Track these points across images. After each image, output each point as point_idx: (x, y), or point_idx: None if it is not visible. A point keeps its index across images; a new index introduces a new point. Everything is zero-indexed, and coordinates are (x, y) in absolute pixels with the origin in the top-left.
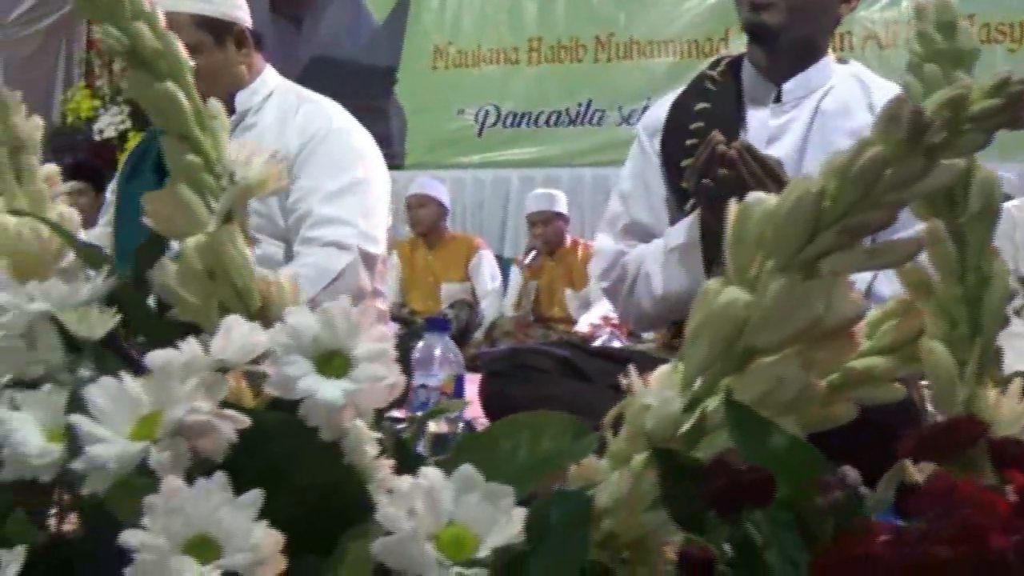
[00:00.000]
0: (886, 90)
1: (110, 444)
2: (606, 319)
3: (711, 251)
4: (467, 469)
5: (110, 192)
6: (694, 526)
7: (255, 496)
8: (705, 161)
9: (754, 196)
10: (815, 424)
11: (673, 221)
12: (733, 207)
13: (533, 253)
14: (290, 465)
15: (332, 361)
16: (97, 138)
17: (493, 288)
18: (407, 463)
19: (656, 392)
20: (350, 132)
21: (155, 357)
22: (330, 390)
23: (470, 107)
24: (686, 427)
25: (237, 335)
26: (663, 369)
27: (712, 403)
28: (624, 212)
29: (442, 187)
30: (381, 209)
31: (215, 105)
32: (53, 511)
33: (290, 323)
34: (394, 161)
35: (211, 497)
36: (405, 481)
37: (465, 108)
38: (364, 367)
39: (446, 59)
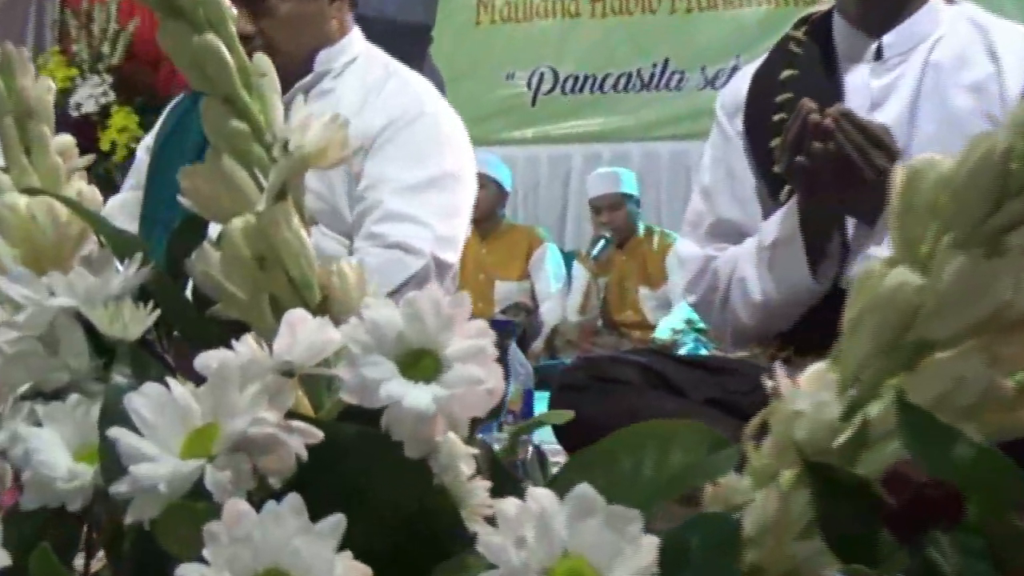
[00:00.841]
0: (1009, 32)
1: (159, 463)
2: (691, 323)
3: (815, 243)
4: (584, 490)
5: (143, 150)
6: (858, 555)
7: (337, 522)
8: (796, 135)
9: (924, 158)
10: (1001, 432)
11: (768, 214)
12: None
13: (600, 245)
14: (371, 486)
15: (420, 362)
16: (74, 114)
17: (557, 289)
18: (506, 485)
19: (808, 396)
20: (441, 119)
21: (208, 359)
22: (418, 396)
23: (521, 70)
24: (845, 437)
25: (304, 332)
26: (815, 368)
27: (876, 408)
28: (708, 210)
29: (502, 165)
30: (465, 212)
31: (262, 61)
32: (82, 545)
33: (369, 317)
34: None
35: (284, 524)
36: (511, 504)
37: (515, 72)
38: (458, 369)
39: (491, 12)
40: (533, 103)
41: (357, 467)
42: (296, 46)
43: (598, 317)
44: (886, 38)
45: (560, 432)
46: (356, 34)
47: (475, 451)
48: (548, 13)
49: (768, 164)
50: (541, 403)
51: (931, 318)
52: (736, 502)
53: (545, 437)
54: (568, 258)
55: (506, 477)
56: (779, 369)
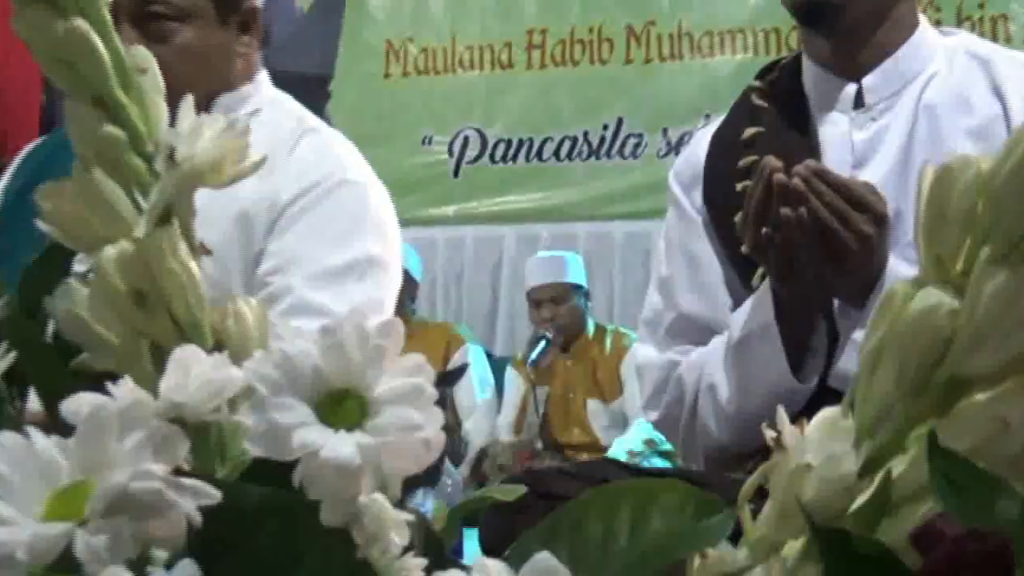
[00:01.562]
0: (1015, 64)
1: (17, 526)
2: (651, 443)
3: (794, 335)
4: (545, 560)
5: None
6: None
7: None
8: (759, 202)
9: (959, 157)
10: None
11: (739, 302)
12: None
13: (540, 347)
14: (280, 561)
15: (342, 405)
16: None
17: (482, 402)
18: (444, 566)
19: (819, 447)
20: (367, 188)
21: (78, 403)
22: (340, 445)
23: (441, 134)
24: (864, 498)
25: (197, 370)
26: (826, 415)
27: (901, 463)
28: (667, 306)
29: (410, 249)
30: (388, 308)
31: (142, 55)
32: None
33: (279, 349)
34: None
35: None
36: None
37: (433, 135)
38: (389, 412)
39: (404, 62)
40: (456, 173)
41: (263, 537)
42: (191, 84)
43: (537, 437)
44: (867, 80)
45: (494, 554)
46: (263, 79)
47: (408, 518)
48: (474, 64)
49: (735, 244)
50: (471, 541)
51: (967, 349)
52: None
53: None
54: (500, 364)
55: (444, 556)
56: (781, 413)
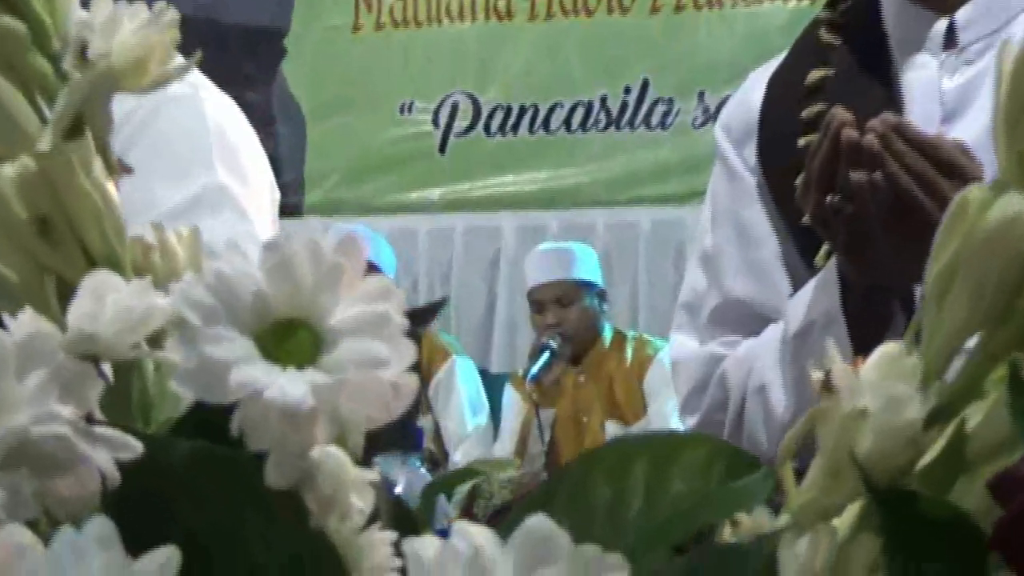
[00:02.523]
0: None
1: None
2: None
3: (864, 327)
4: (540, 525)
5: None
6: None
7: (167, 559)
8: (824, 163)
9: None
10: None
11: (799, 285)
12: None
13: (543, 359)
14: (214, 532)
15: (291, 337)
16: None
17: (474, 428)
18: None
19: (877, 390)
20: (198, 99)
21: None
22: (287, 385)
23: (424, 100)
24: (933, 452)
25: (115, 298)
26: (886, 350)
27: (978, 411)
28: (711, 287)
29: (383, 243)
30: (258, 240)
31: None
32: None
33: (215, 271)
34: (285, 201)
35: (87, 561)
36: (428, 546)
37: (415, 102)
38: (347, 346)
39: (378, 12)
40: (442, 149)
41: (193, 499)
42: None
43: (542, 470)
44: (960, 15)
45: None
46: None
47: (373, 477)
48: (464, 14)
49: (797, 213)
50: None
51: None
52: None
53: None
54: (496, 383)
55: (415, 524)
56: (832, 348)
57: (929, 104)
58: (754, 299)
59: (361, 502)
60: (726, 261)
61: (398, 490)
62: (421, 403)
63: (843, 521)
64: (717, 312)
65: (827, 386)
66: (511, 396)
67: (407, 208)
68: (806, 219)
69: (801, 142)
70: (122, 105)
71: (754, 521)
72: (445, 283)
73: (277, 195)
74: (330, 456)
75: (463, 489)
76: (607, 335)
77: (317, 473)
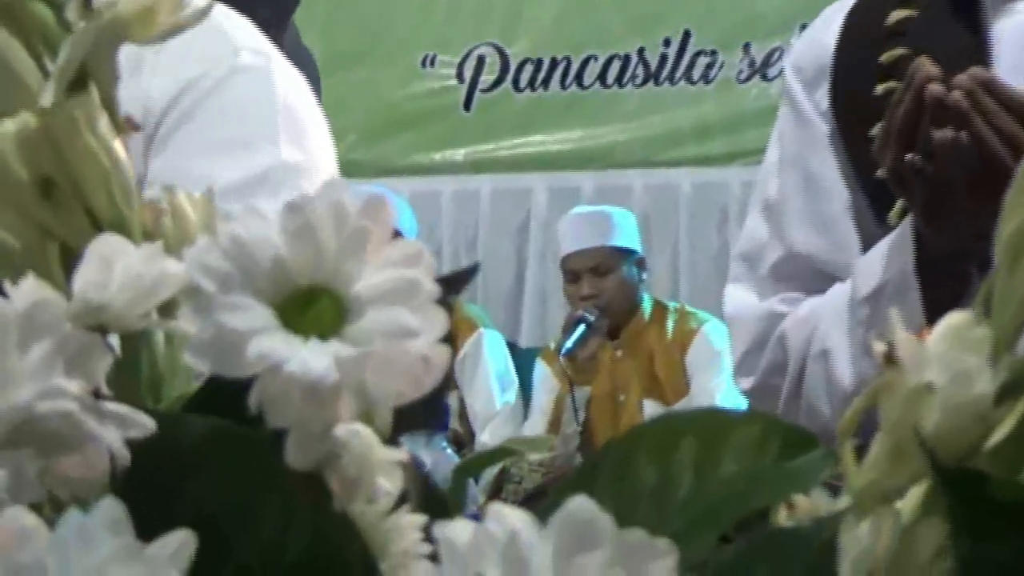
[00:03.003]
0: None
1: None
2: None
3: (939, 293)
4: (582, 507)
5: None
6: None
7: (181, 544)
8: (906, 118)
9: None
10: None
11: (869, 243)
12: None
13: (578, 333)
14: (232, 515)
15: (313, 305)
16: None
17: (503, 407)
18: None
19: (944, 362)
20: (269, 72)
21: None
22: (310, 358)
23: (448, 53)
24: (1005, 429)
25: (124, 264)
26: (954, 320)
27: None
28: (773, 238)
29: (404, 206)
30: None
31: None
32: None
33: (232, 235)
34: None
35: (96, 546)
36: (462, 530)
37: (437, 56)
38: (374, 316)
39: None
40: (467, 105)
41: (208, 480)
42: None
43: (575, 453)
44: None
45: None
46: None
47: (401, 457)
48: None
49: (871, 165)
50: None
51: None
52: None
53: None
54: (526, 358)
55: (447, 508)
56: (895, 318)
57: (1021, 55)
58: (819, 254)
59: (388, 484)
60: (791, 211)
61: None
62: (450, 379)
63: (907, 504)
64: (778, 266)
65: (890, 358)
66: (542, 372)
67: (429, 169)
68: (881, 173)
69: (879, 89)
70: (186, 71)
71: (811, 503)
72: (471, 250)
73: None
74: (355, 434)
75: (490, 473)
76: (646, 307)
77: (341, 453)
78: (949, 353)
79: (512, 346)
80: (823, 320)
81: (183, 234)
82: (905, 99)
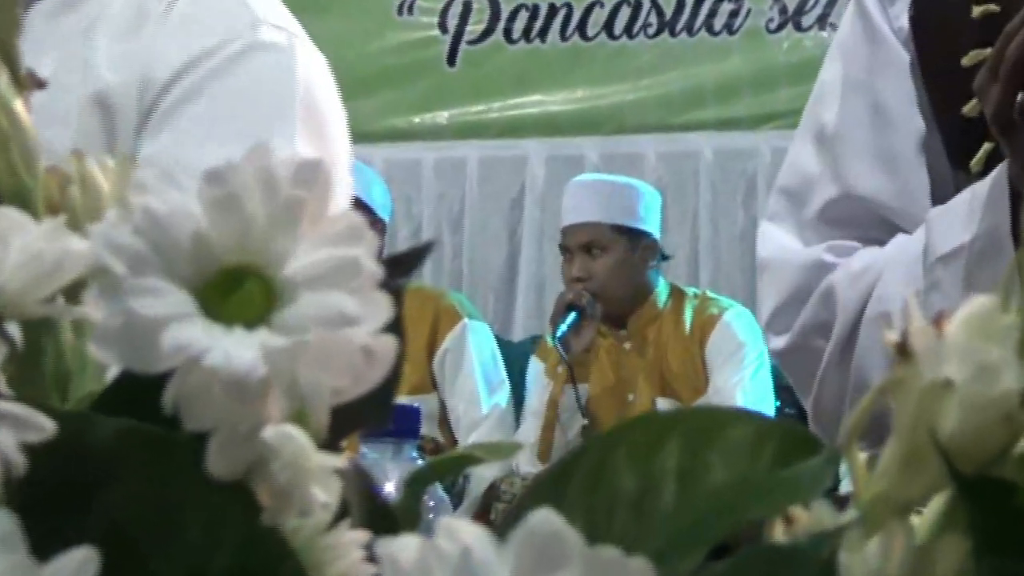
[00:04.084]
0: None
1: None
2: None
3: None
4: (545, 521)
5: None
6: None
7: (84, 561)
8: (1020, 53)
9: None
10: None
11: (942, 193)
12: None
13: (569, 319)
14: (142, 526)
15: (239, 289)
16: None
17: (491, 410)
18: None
19: (964, 355)
20: (292, 53)
21: None
22: (235, 349)
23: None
24: None
25: (22, 241)
26: (976, 308)
27: None
28: (826, 175)
29: (371, 177)
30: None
31: None
32: None
33: (146, 208)
34: None
35: None
36: (408, 547)
37: (416, 1)
38: (310, 299)
39: None
40: (451, 60)
41: (118, 490)
42: None
43: None
44: None
45: None
46: None
47: (340, 464)
48: None
49: (956, 99)
50: None
51: None
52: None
53: None
54: (518, 353)
55: (396, 524)
56: (912, 300)
57: None
58: (882, 197)
59: (326, 495)
60: (852, 143)
61: (389, 487)
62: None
63: (923, 518)
64: (831, 207)
65: (903, 349)
66: (536, 370)
67: (407, 135)
68: (969, 108)
69: (976, 12)
70: (196, 41)
71: (812, 516)
72: (456, 229)
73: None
74: (287, 438)
75: (478, 490)
76: (662, 293)
77: (271, 458)
78: (971, 344)
79: (503, 340)
80: (884, 278)
81: (93, 207)
82: (1022, 29)
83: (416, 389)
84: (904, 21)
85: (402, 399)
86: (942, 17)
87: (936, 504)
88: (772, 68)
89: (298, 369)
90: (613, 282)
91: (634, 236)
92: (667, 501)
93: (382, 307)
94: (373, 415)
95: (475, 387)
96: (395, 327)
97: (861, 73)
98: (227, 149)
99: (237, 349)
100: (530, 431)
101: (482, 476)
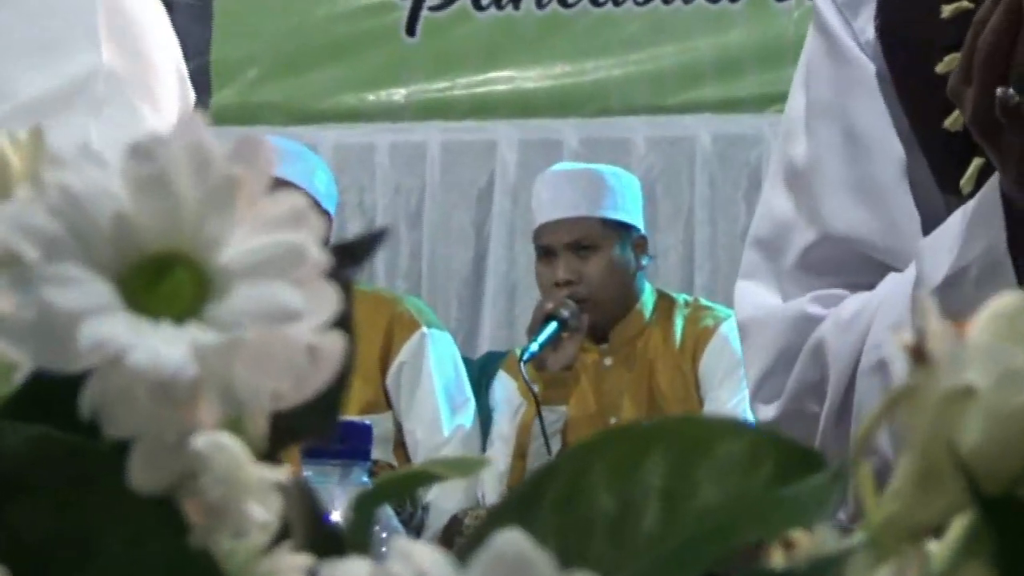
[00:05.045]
0: None
1: None
2: None
3: None
4: (510, 542)
5: None
6: None
7: None
8: (994, 41)
9: None
10: None
11: (933, 224)
12: None
13: (548, 331)
14: (56, 547)
15: (166, 279)
16: None
17: (455, 432)
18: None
19: (987, 359)
20: None
21: None
22: (162, 347)
23: None
24: None
25: None
26: (1001, 306)
27: None
28: (802, 217)
29: (315, 163)
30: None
31: None
32: None
33: (61, 186)
34: None
35: None
36: (355, 570)
37: None
38: (247, 291)
39: None
40: (411, 30)
41: (34, 507)
42: None
43: None
44: None
45: None
46: None
47: (279, 479)
48: None
49: (935, 113)
50: None
51: None
52: None
53: None
54: (487, 367)
55: (340, 544)
56: (924, 301)
57: None
58: (866, 235)
59: (263, 513)
60: (826, 178)
61: (335, 515)
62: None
63: (941, 544)
64: (810, 253)
65: (919, 353)
66: (506, 387)
67: (360, 115)
68: (951, 121)
69: (946, 10)
70: None
71: (815, 541)
72: (414, 222)
73: (191, 92)
74: (220, 448)
75: (438, 524)
76: (647, 301)
77: (201, 471)
78: (995, 346)
79: (468, 354)
80: (877, 322)
81: (1, 185)
82: (994, 15)
83: (368, 407)
84: (871, 33)
85: (351, 418)
86: (911, 22)
87: (956, 528)
88: (779, 41)
89: (233, 370)
90: (606, 286)
91: (625, 232)
92: (650, 523)
93: (328, 300)
94: (318, 424)
95: (435, 406)
96: (344, 323)
97: (828, 98)
98: (20, 63)
99: (164, 347)
100: (499, 458)
101: (443, 508)
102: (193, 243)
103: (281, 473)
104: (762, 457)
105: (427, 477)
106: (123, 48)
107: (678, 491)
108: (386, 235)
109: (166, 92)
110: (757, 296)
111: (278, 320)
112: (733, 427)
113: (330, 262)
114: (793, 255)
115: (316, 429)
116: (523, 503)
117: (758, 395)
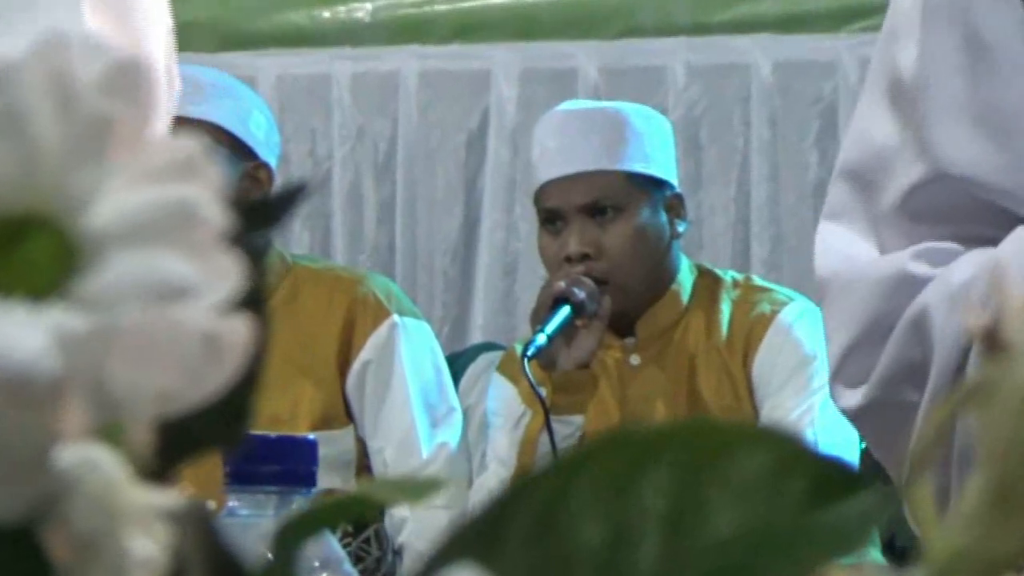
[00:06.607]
0: None
1: None
2: None
3: None
4: None
5: None
6: None
7: None
8: None
9: None
10: None
11: None
12: None
13: (559, 319)
14: None
15: (21, 246)
16: None
17: (436, 450)
18: None
19: None
20: None
21: None
22: (14, 334)
23: None
24: None
25: None
26: None
27: None
28: (907, 147)
29: (251, 100)
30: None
31: None
32: None
33: None
34: None
35: None
36: None
37: None
38: (122, 260)
39: None
40: None
41: None
42: None
43: None
44: None
45: None
46: None
47: (168, 504)
48: None
49: None
50: None
51: None
52: None
53: None
54: (470, 360)
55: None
56: (1001, 271)
57: None
58: (988, 175)
59: (148, 546)
60: (940, 99)
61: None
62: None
63: None
64: (917, 194)
65: (994, 340)
66: (504, 393)
67: (311, 38)
68: None
69: None
70: None
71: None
72: (383, 177)
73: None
74: (91, 464)
75: (412, 571)
76: (685, 280)
77: (67, 493)
78: None
79: (452, 356)
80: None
81: None
82: None
83: (322, 421)
84: None
85: (303, 435)
86: None
87: None
88: None
89: (107, 363)
90: (631, 261)
91: (657, 189)
92: (648, 556)
93: (230, 273)
94: (222, 434)
95: (410, 418)
96: (254, 303)
97: (944, 4)
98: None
99: (17, 333)
100: (495, 485)
101: (420, 551)
102: (54, 200)
103: (171, 497)
104: (791, 474)
105: (368, 502)
106: (109, 13)
107: (685, 516)
108: (307, 190)
109: (160, 72)
110: (845, 243)
111: (164, 299)
112: (756, 436)
113: (234, 223)
114: (894, 194)
115: (219, 439)
116: (483, 531)
117: (840, 375)
